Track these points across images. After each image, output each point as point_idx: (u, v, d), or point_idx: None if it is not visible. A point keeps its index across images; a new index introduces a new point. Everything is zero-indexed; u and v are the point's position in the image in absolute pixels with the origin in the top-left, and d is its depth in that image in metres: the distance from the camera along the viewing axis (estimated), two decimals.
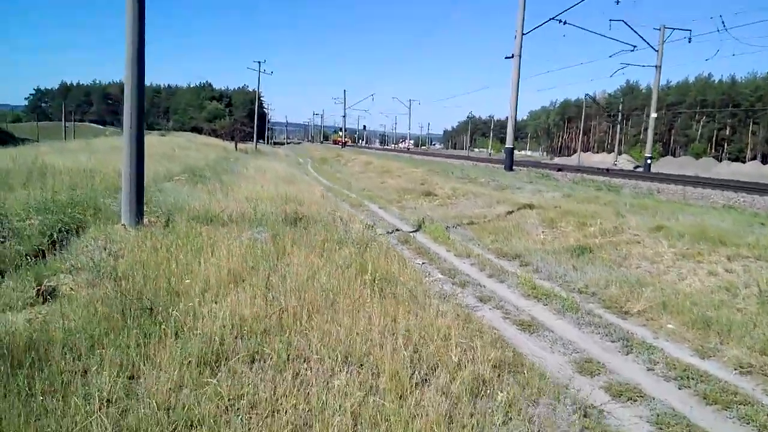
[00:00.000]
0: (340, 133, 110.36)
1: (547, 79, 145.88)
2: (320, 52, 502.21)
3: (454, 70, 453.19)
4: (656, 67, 33.60)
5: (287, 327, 4.59)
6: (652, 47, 32.39)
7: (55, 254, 6.32)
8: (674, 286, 7.21)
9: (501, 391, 3.59)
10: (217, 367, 3.78)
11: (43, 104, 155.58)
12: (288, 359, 4.00)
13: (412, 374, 3.86)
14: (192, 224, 8.08)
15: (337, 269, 6.41)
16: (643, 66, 34.60)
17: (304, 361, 3.99)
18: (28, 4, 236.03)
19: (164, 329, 4.10)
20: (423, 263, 8.49)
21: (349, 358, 4.08)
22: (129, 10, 7.64)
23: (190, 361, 3.70)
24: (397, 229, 11.58)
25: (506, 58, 26.26)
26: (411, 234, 10.97)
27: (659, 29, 32.81)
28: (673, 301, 6.50)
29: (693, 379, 4.52)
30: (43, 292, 4.79)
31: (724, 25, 27.17)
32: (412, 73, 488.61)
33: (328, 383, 3.63)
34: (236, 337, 4.24)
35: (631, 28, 30.97)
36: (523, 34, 25.50)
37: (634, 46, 30.26)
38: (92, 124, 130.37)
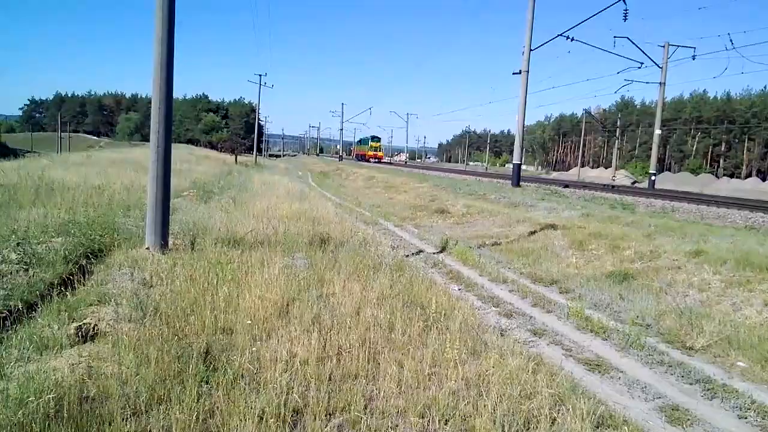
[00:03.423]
0: (372, 144, 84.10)
1: (547, 95, 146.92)
2: (318, 65, 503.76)
3: (451, 85, 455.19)
4: (660, 83, 33.57)
5: (352, 371, 4.22)
6: (656, 64, 32.38)
7: (83, 283, 5.90)
8: (731, 317, 6.88)
9: None
10: (294, 425, 3.39)
11: (37, 114, 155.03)
12: (365, 410, 3.62)
13: None
14: (219, 248, 7.69)
15: (382, 299, 6.05)
16: (647, 83, 34.48)
17: (384, 416, 3.60)
18: (24, 14, 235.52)
19: (228, 378, 3.71)
20: (459, 289, 8.13)
21: (429, 411, 3.70)
22: (158, 25, 7.30)
23: (263, 417, 3.31)
24: (421, 251, 11.21)
25: (514, 73, 26.08)
26: (437, 256, 10.61)
27: (663, 46, 32.81)
28: (736, 335, 6.16)
29: None
30: (83, 330, 4.38)
31: (732, 44, 27.13)
32: (409, 87, 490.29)
33: None
34: (305, 386, 3.85)
35: (636, 45, 31.06)
36: (531, 50, 25.36)
37: (641, 63, 30.27)
38: (86, 135, 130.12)
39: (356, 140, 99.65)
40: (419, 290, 6.75)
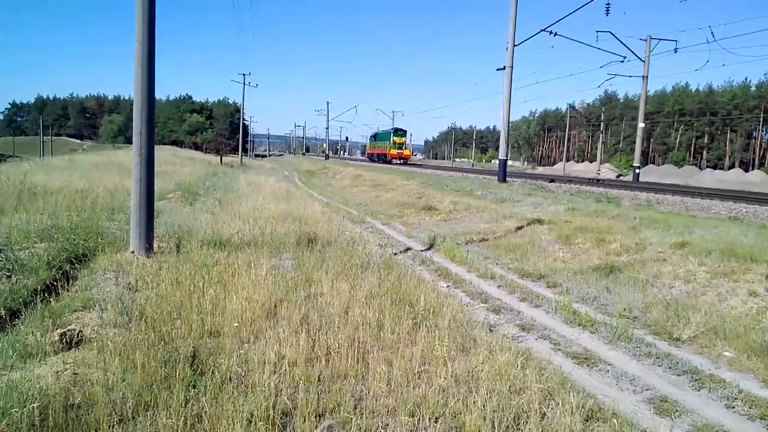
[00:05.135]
0: (395, 139, 59.88)
1: (532, 90, 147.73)
2: (302, 64, 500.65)
3: (436, 82, 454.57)
4: (643, 77, 33.83)
5: (341, 371, 4.20)
6: (639, 58, 32.63)
7: (67, 288, 5.82)
8: (716, 308, 6.95)
9: None
10: (283, 428, 3.36)
11: (19, 118, 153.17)
12: (355, 410, 3.60)
13: (496, 428, 3.48)
14: (205, 250, 7.63)
15: (370, 298, 6.03)
16: (630, 76, 34.77)
17: (374, 416, 3.58)
18: (3, 16, 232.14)
19: (216, 382, 3.67)
20: (448, 286, 8.13)
21: (419, 409, 3.68)
22: (139, 25, 7.21)
23: (252, 421, 3.28)
24: (409, 248, 11.21)
25: (498, 69, 26.18)
26: (425, 253, 10.61)
27: (645, 40, 33.06)
28: (723, 325, 6.23)
29: None
30: (68, 336, 4.31)
31: (714, 36, 27.41)
32: (395, 85, 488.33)
33: None
34: (294, 387, 3.82)
35: (618, 39, 31.27)
36: (514, 45, 25.43)
37: (624, 57, 30.49)
38: (69, 138, 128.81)
39: (371, 135, 75.95)
40: (408, 288, 6.74)
